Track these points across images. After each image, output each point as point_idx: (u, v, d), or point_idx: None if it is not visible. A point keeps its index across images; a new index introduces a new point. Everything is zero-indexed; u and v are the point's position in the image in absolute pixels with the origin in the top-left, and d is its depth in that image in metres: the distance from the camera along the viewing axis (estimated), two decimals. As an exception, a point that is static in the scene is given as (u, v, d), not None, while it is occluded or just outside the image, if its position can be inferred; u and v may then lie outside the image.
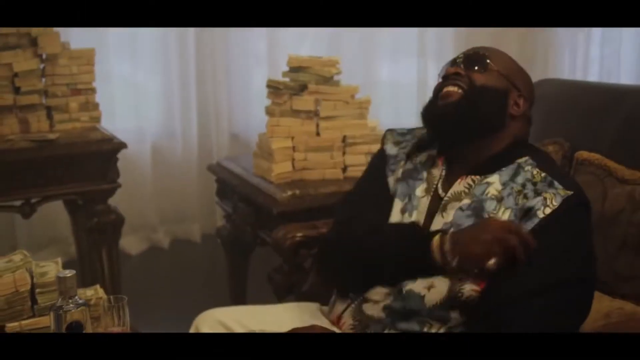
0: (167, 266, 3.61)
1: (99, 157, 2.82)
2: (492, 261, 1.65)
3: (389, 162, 1.95)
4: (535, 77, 2.73)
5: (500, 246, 1.64)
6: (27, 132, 2.80)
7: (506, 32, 3.79)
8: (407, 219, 1.84)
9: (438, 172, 1.85)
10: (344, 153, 2.85)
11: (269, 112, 2.86)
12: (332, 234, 1.97)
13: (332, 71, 2.83)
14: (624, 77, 4.03)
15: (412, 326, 1.73)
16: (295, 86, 2.83)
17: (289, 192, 2.70)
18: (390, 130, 2.02)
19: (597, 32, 4.04)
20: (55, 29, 2.82)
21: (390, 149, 1.97)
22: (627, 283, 2.14)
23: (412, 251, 1.74)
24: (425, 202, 1.83)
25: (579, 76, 3.96)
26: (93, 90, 2.93)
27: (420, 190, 1.86)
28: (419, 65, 3.81)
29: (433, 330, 1.72)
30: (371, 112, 2.95)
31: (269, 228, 2.69)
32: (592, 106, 2.52)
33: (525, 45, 3.85)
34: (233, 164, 3.06)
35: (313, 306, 2.01)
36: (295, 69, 2.84)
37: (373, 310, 1.78)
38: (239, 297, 3.16)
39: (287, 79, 2.85)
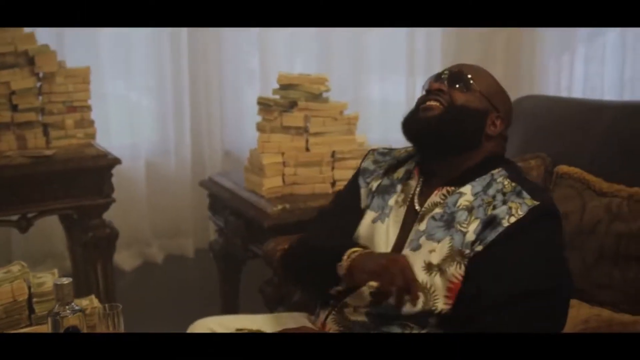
0: (160, 281, 3.64)
1: (94, 173, 2.87)
2: (372, 283, 1.71)
3: (364, 175, 2.01)
4: (521, 96, 2.81)
5: (385, 278, 1.68)
6: (24, 149, 2.84)
7: (493, 52, 3.87)
8: (378, 226, 1.90)
9: (414, 183, 1.90)
10: (332, 168, 2.91)
11: (260, 128, 2.91)
12: (295, 244, 2.06)
13: (321, 88, 2.88)
14: (607, 95, 4.10)
15: (394, 329, 1.78)
16: (286, 103, 2.88)
17: (280, 206, 2.75)
18: (372, 150, 2.09)
19: (581, 51, 4.12)
20: (52, 48, 2.88)
21: (368, 165, 2.03)
22: (605, 291, 2.20)
23: (331, 265, 1.80)
24: (401, 213, 1.88)
25: (563, 95, 4.02)
26: (88, 108, 2.98)
27: (393, 200, 1.91)
28: (408, 84, 3.87)
29: (415, 332, 1.77)
30: (362, 130, 3.00)
31: (260, 241, 2.72)
32: (573, 121, 2.59)
33: (512, 64, 3.92)
34: (225, 179, 3.10)
35: (301, 315, 2.07)
36: (285, 86, 2.89)
37: (355, 315, 1.84)
38: (231, 310, 3.19)
39: (277, 96, 2.90)
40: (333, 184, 2.90)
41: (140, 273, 3.63)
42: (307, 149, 2.89)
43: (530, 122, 2.72)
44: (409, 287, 1.66)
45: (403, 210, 1.89)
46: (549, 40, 3.99)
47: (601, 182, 2.32)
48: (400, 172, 1.96)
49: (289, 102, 2.88)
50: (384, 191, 1.95)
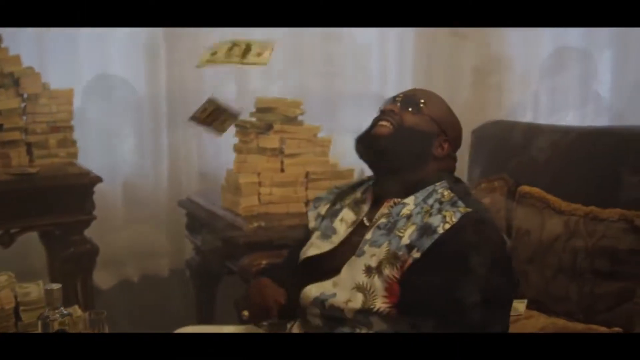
0: (137, 300, 3.68)
1: (77, 190, 2.93)
2: (244, 312, 1.93)
3: (315, 202, 2.16)
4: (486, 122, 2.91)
5: (249, 303, 1.95)
6: (9, 167, 2.90)
7: (461, 80, 3.99)
8: (316, 242, 2.02)
9: (367, 206, 2.01)
10: (306, 188, 3.00)
11: (237, 149, 3.00)
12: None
13: (297, 112, 2.99)
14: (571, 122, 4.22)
15: (346, 330, 1.88)
16: (262, 125, 2.97)
17: (255, 224, 2.84)
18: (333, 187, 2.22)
19: (547, 81, 4.24)
20: (37, 70, 2.95)
21: (321, 194, 2.19)
22: (561, 303, 2.33)
23: None
24: (347, 230, 2.00)
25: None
26: (71, 128, 3.04)
27: (338, 220, 2.03)
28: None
29: (363, 331, 1.87)
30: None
31: (236, 258, 2.80)
32: (534, 145, 2.70)
33: (479, 92, 4.04)
34: (202, 198, 3.19)
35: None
36: (262, 109, 2.98)
37: (314, 319, 1.95)
38: (207, 324, 3.25)
39: (254, 119, 2.99)
40: (307, 203, 2.98)
41: (117, 291, 3.67)
42: (282, 170, 2.98)
43: (495, 146, 2.84)
44: (265, 299, 1.90)
45: (351, 229, 1.99)
46: (516, 69, 4.11)
47: (560, 202, 2.44)
48: (350, 198, 2.08)
49: (265, 124, 2.98)
50: (333, 214, 2.06)
